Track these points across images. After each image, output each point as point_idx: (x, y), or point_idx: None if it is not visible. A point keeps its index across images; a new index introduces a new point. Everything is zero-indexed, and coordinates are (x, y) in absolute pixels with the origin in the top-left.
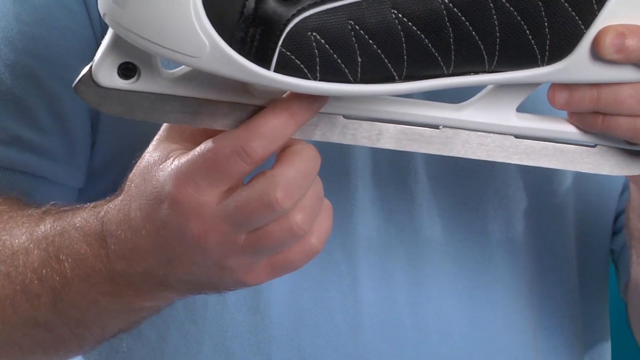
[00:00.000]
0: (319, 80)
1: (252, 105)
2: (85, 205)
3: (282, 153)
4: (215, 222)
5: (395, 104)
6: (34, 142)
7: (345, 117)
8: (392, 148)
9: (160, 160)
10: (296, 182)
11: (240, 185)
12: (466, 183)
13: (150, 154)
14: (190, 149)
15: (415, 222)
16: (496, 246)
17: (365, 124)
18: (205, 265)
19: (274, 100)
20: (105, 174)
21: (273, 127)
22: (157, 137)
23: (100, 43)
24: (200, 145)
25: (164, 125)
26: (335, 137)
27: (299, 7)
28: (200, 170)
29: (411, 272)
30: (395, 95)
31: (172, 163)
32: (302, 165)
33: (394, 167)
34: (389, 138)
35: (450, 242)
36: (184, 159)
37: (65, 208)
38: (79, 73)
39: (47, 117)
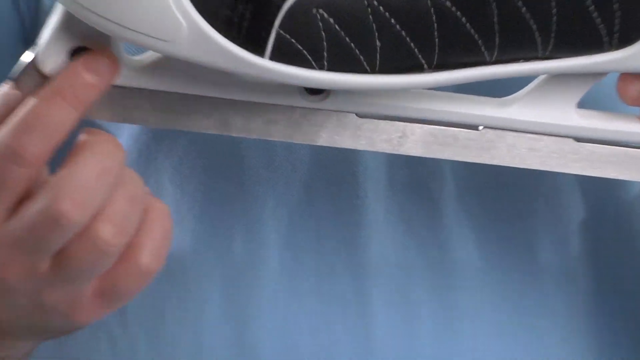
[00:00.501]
0: (327, 70)
1: (241, 101)
2: None
3: (70, 151)
4: (4, 249)
5: (422, 98)
6: None
7: (359, 115)
8: (418, 154)
9: None
10: (87, 185)
11: (25, 199)
12: (506, 190)
13: None
14: None
15: (442, 239)
16: (546, 270)
17: (384, 124)
18: (20, 306)
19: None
20: None
21: (42, 115)
22: None
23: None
24: None
25: None
26: (347, 142)
27: None
28: None
29: (437, 303)
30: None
31: None
32: (94, 163)
33: (414, 168)
34: (415, 142)
35: (486, 265)
36: None
37: None
38: (15, 61)
39: None
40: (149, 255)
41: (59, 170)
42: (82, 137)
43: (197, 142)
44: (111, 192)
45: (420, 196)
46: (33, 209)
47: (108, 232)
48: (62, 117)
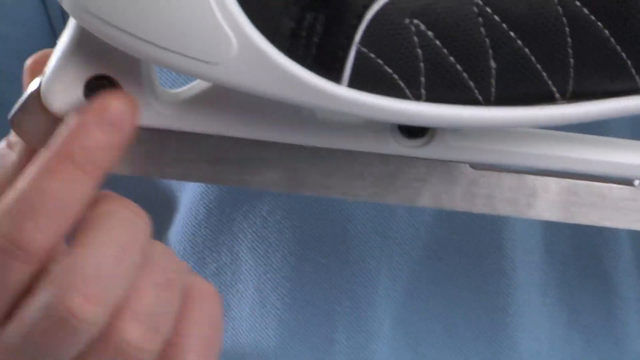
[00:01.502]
0: (425, 101)
1: (313, 148)
2: None
3: (78, 228)
4: None
5: (558, 142)
6: None
7: (474, 166)
8: (554, 219)
9: None
10: (104, 271)
11: (24, 297)
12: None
13: None
14: None
15: (618, 332)
16: None
17: (508, 178)
18: None
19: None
20: None
21: (51, 192)
22: None
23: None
24: None
25: None
26: (457, 202)
27: None
28: None
29: None
30: (555, 128)
31: None
32: (110, 241)
33: (579, 232)
34: (549, 202)
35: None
36: None
37: None
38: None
39: None
40: (194, 358)
41: (66, 254)
42: (93, 205)
43: (285, 197)
44: (136, 278)
45: (587, 271)
46: (34, 308)
47: (136, 333)
48: (74, 192)
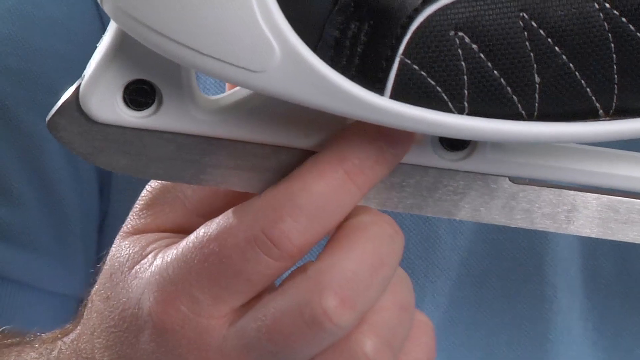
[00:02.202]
0: (468, 114)
1: None
2: (34, 339)
3: (335, 233)
4: (229, 356)
5: (599, 158)
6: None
7: (514, 180)
8: (593, 235)
9: (134, 260)
10: (361, 279)
11: (267, 291)
12: None
13: (117, 248)
14: (181, 236)
15: None
16: None
17: (547, 192)
18: None
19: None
20: None
21: (318, 194)
22: (131, 215)
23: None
24: (197, 230)
25: (148, 191)
26: (496, 216)
27: None
28: (199, 276)
29: None
30: (597, 144)
31: (152, 264)
32: (370, 251)
33: (622, 255)
34: (589, 218)
35: None
36: (170, 256)
37: (9, 341)
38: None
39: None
40: None
41: (320, 256)
42: (353, 215)
43: None
44: (384, 293)
45: (629, 296)
46: (282, 305)
47: (373, 346)
48: (341, 199)
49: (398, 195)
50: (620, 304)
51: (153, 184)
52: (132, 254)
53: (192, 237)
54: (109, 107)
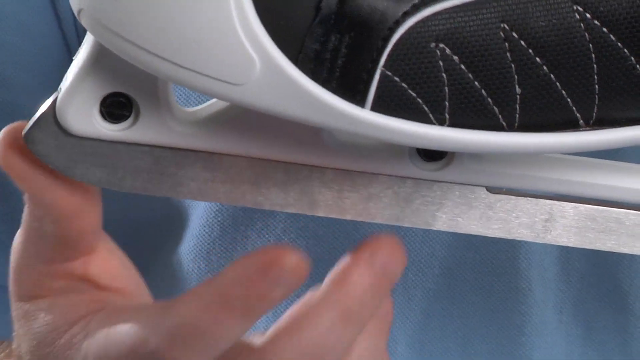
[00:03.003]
0: (449, 125)
1: (330, 169)
2: None
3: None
4: None
5: (576, 167)
6: None
7: (491, 190)
8: (570, 245)
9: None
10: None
11: None
12: None
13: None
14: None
15: (634, 349)
16: None
17: (524, 202)
18: None
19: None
20: None
21: (203, 327)
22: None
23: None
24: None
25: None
26: (473, 226)
27: (415, 1)
28: None
29: None
30: (576, 153)
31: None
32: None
33: (596, 252)
34: (566, 227)
35: None
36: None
37: None
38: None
39: None
40: None
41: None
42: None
43: (299, 216)
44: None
45: (603, 289)
46: None
47: None
48: (228, 333)
49: (375, 206)
50: (595, 296)
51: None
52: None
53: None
54: (86, 120)
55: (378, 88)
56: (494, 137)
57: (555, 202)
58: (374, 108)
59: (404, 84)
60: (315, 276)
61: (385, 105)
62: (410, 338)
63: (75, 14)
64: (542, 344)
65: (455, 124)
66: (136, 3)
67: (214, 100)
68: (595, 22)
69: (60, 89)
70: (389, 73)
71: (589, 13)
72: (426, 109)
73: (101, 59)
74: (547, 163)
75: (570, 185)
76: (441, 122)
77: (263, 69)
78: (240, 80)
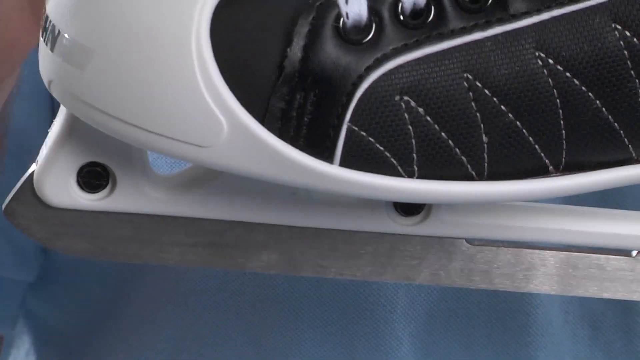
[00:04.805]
0: (418, 177)
1: (310, 229)
2: None
3: None
4: None
5: (552, 215)
6: None
7: (470, 242)
8: (553, 292)
9: None
10: None
11: None
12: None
13: None
14: None
15: None
16: None
17: (504, 253)
18: None
19: None
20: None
21: None
22: None
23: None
24: None
25: None
26: (456, 279)
27: (378, 55)
28: None
29: None
30: (550, 201)
31: None
32: None
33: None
34: (547, 276)
35: None
36: None
37: None
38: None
39: None
40: None
41: None
42: None
43: None
44: None
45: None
46: None
47: None
48: None
49: (356, 264)
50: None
51: None
52: None
53: None
54: (63, 191)
55: (345, 143)
56: (464, 187)
57: (536, 251)
58: (343, 163)
59: (371, 138)
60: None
61: (353, 160)
62: (414, 338)
63: (46, 86)
64: (547, 344)
65: (424, 175)
66: (103, 73)
67: (191, 165)
68: (558, 67)
69: (37, 161)
70: (355, 128)
71: (551, 59)
72: (394, 162)
73: (75, 129)
74: (525, 212)
75: (550, 233)
76: (410, 175)
77: (230, 130)
78: (208, 142)
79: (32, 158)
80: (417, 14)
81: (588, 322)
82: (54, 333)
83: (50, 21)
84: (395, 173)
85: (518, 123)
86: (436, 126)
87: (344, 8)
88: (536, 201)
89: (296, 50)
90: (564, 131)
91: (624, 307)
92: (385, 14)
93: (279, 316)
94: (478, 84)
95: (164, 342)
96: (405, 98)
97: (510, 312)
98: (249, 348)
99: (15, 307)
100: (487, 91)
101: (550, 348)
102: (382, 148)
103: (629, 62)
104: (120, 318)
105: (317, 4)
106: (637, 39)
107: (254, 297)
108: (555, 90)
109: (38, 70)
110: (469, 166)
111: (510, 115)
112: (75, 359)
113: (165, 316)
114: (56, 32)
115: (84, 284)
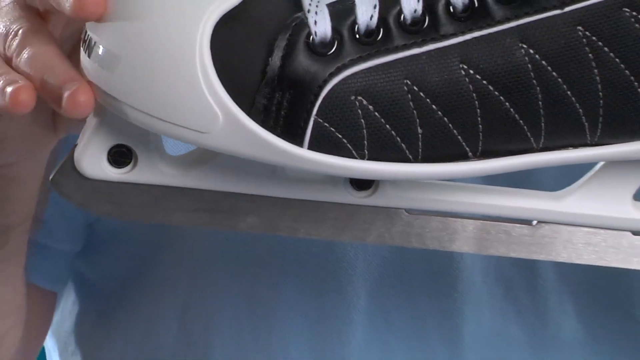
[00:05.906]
0: (368, 159)
1: (287, 199)
2: None
3: None
4: None
5: (474, 192)
6: None
7: (409, 212)
8: (470, 251)
9: None
10: None
11: None
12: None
13: None
14: None
15: (542, 307)
16: None
17: (434, 220)
18: None
19: None
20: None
21: None
22: None
23: None
24: None
25: None
26: (397, 240)
27: (339, 64)
28: None
29: None
30: (471, 180)
31: None
32: None
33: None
34: (466, 239)
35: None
36: None
37: None
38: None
39: None
40: None
41: None
42: None
43: None
44: None
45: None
46: None
47: None
48: None
49: (321, 227)
50: (515, 266)
51: None
52: None
53: None
54: (96, 166)
55: (312, 132)
56: (402, 167)
57: (459, 219)
58: (311, 147)
59: (332, 129)
60: (296, 247)
61: (319, 145)
62: (369, 294)
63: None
64: (470, 299)
65: (373, 157)
66: (128, 75)
67: (195, 147)
68: (477, 76)
69: (77, 143)
70: (321, 120)
71: (472, 70)
72: (350, 147)
73: (106, 118)
74: (451, 189)
75: (470, 206)
76: (362, 157)
77: (224, 120)
78: (207, 129)
79: None
80: (370, 33)
81: (502, 283)
82: (94, 288)
83: (88, 35)
84: (350, 155)
85: (445, 119)
86: (382, 120)
87: (313, 28)
88: (460, 180)
89: (276, 60)
90: (480, 126)
91: (530, 272)
92: (345, 33)
93: (265, 275)
94: (415, 88)
95: (178, 297)
96: (359, 98)
97: (442, 274)
98: (241, 299)
99: (66, 271)
100: (422, 94)
101: (473, 302)
102: (340, 136)
103: (532, 73)
104: (145, 279)
105: (293, 24)
106: (538, 55)
107: (246, 261)
108: (474, 94)
109: None
110: (407, 151)
111: (440, 112)
112: (110, 308)
113: (179, 278)
114: (92, 43)
115: (119, 252)
